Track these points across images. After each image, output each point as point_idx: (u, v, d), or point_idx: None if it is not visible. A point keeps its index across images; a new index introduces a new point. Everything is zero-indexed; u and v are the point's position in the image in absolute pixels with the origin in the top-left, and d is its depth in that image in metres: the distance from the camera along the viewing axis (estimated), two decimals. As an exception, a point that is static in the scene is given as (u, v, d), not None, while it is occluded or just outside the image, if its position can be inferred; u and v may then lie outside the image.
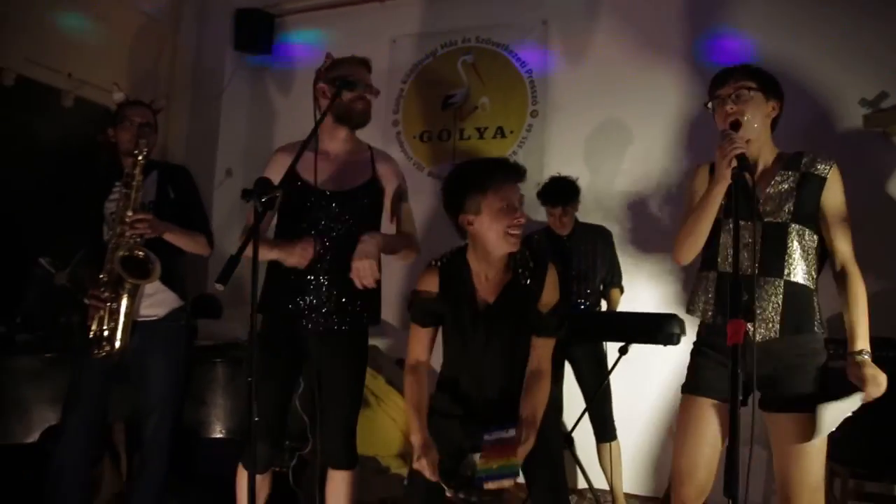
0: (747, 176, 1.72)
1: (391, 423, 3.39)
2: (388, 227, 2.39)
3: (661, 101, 3.62)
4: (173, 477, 2.64)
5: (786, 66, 3.34)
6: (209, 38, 4.39)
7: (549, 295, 1.99)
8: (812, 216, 1.92)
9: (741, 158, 1.74)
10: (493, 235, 1.92)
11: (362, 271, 2.08)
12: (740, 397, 1.47)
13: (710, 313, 1.98)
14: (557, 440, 2.19)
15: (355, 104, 2.28)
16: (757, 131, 1.93)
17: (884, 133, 3.25)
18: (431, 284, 2.02)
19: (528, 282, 1.97)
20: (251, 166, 4.54)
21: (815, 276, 1.93)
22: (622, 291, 3.33)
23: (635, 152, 3.68)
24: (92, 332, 2.39)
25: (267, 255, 2.16)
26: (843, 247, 1.92)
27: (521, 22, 3.96)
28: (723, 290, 1.94)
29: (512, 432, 1.83)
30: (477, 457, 1.82)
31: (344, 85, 2.18)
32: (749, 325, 1.83)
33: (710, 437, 1.94)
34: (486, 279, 2.00)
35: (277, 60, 4.51)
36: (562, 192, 3.19)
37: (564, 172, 3.36)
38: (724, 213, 1.94)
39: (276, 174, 2.06)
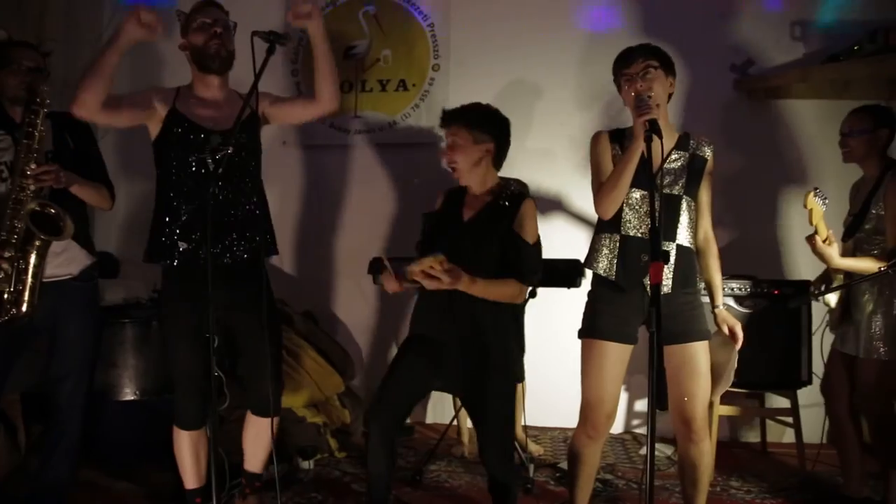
0: (656, 138, 1.92)
1: (303, 376, 3.41)
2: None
3: (560, 60, 3.81)
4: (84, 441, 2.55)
5: (662, 34, 3.64)
6: (82, -28, 4.00)
7: (526, 222, 2.28)
8: (696, 191, 2.24)
9: (653, 123, 1.96)
10: None
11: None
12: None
13: (613, 270, 2.21)
14: (510, 382, 2.37)
15: (208, 46, 2.28)
16: (660, 106, 2.15)
17: (749, 96, 3.67)
18: (438, 203, 2.48)
19: (507, 204, 2.31)
20: (136, 116, 4.25)
21: (695, 241, 2.26)
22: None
23: (542, 109, 3.85)
24: None
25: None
26: (708, 216, 2.30)
27: (423, -26, 3.96)
28: (626, 251, 2.20)
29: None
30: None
31: (276, 38, 2.05)
32: (646, 281, 2.10)
33: (613, 375, 2.22)
34: (473, 199, 2.38)
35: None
36: None
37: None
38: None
39: (154, 99, 2.29)
